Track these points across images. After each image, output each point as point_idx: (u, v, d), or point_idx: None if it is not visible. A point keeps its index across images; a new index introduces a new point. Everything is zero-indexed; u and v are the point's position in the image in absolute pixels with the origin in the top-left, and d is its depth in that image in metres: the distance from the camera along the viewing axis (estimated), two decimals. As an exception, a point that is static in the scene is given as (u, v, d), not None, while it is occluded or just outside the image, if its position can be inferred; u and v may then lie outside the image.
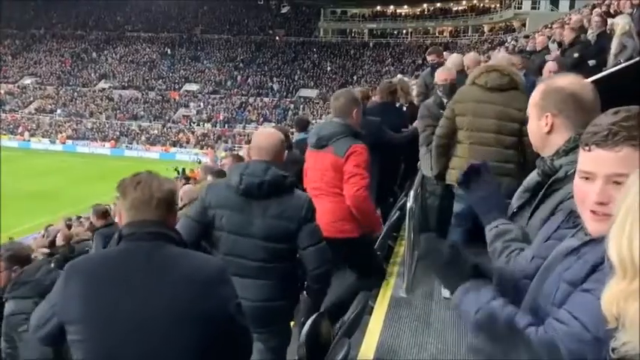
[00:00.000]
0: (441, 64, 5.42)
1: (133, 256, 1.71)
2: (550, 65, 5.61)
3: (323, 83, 46.30)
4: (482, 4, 47.64)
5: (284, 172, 2.69)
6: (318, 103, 43.10)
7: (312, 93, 45.48)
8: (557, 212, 1.57)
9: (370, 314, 3.54)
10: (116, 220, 4.14)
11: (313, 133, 3.59)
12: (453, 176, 3.69)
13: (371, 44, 49.90)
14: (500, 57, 5.74)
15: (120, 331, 1.62)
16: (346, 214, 3.30)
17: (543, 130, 1.69)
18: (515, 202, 1.81)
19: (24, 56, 53.97)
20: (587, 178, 1.21)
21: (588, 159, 1.20)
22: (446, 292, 4.24)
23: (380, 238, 4.31)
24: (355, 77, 44.87)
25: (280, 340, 2.77)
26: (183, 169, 21.36)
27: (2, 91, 49.37)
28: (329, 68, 47.95)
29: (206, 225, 2.68)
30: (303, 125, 6.07)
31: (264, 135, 2.87)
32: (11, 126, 44.62)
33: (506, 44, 16.53)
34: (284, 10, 49.63)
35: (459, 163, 3.62)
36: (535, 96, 1.74)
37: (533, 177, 1.75)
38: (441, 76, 4.45)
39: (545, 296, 1.24)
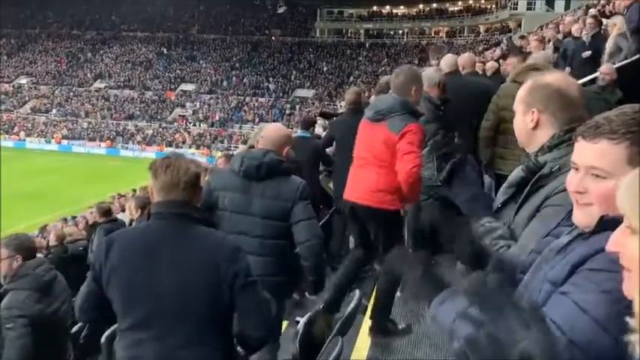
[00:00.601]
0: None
1: (161, 232, 2.02)
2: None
3: (319, 83, 46.31)
4: (478, 5, 47.73)
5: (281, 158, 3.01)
6: (314, 103, 43.12)
7: (308, 93, 45.49)
8: (543, 208, 1.59)
9: (364, 313, 3.56)
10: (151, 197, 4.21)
11: (371, 107, 3.67)
12: (501, 164, 3.94)
13: (367, 44, 49.94)
14: (538, 56, 5.76)
15: (150, 293, 1.94)
16: (389, 186, 3.34)
17: (529, 125, 1.70)
18: (499, 197, 1.82)
19: (19, 56, 53.76)
20: (576, 169, 1.24)
21: (575, 150, 1.23)
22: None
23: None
24: (351, 77, 44.90)
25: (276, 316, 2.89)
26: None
27: (-2, 91, 49.28)
28: (325, 68, 47.96)
29: (211, 206, 2.95)
30: (308, 125, 6.09)
31: (273, 129, 3.27)
32: (6, 126, 44.45)
33: (501, 45, 16.57)
34: (280, 10, 49.59)
35: (505, 154, 3.89)
36: (522, 92, 1.75)
37: (517, 173, 1.76)
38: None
39: (531, 294, 1.25)
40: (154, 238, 2.02)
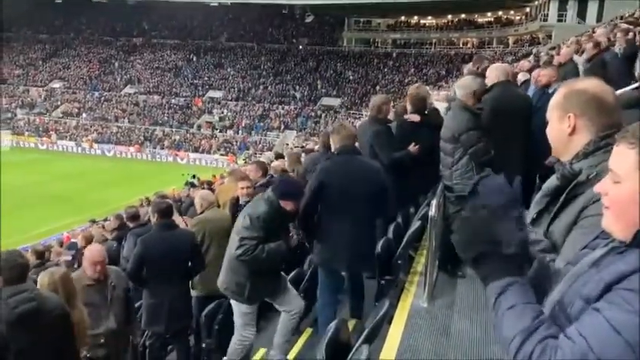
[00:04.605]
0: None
1: (347, 161, 4.15)
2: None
3: (345, 92, 46.38)
4: (507, 16, 47.29)
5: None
6: (339, 111, 43.21)
7: (334, 102, 45.58)
8: (582, 219, 1.56)
9: (390, 323, 3.53)
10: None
11: None
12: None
13: (394, 54, 49.86)
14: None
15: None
16: None
17: (566, 131, 1.67)
18: (533, 208, 1.78)
19: (53, 61, 55.21)
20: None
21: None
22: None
23: (401, 247, 4.31)
24: (378, 87, 44.83)
25: None
26: (194, 175, 21.54)
27: (32, 95, 50.61)
28: (351, 77, 48.02)
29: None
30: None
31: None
32: (39, 128, 45.62)
33: (530, 58, 16.36)
34: (308, 20, 49.89)
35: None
36: (557, 98, 1.72)
37: (552, 182, 1.72)
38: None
39: (563, 307, 1.24)
40: (345, 165, 4.25)
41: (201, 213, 5.75)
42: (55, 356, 3.33)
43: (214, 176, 18.96)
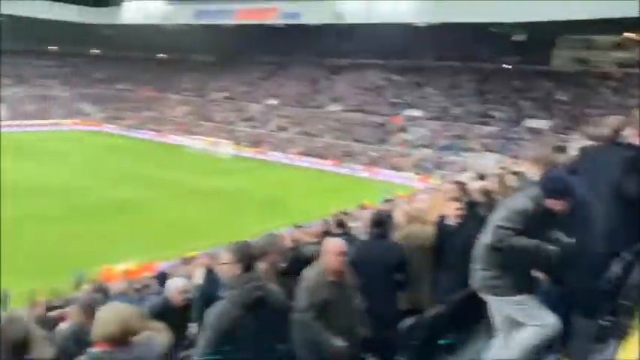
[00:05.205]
0: None
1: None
2: None
3: (554, 114, 43.01)
4: None
5: None
6: (544, 134, 40.17)
7: (539, 123, 42.58)
8: None
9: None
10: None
11: None
12: None
13: (614, 74, 44.73)
14: None
15: None
16: None
17: None
18: None
19: (272, 80, 61.64)
20: None
21: None
22: None
23: (628, 286, 3.88)
24: (591, 109, 40.66)
25: None
26: (390, 191, 21.81)
27: (252, 110, 57.15)
28: (562, 98, 44.36)
29: None
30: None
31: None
32: (254, 140, 51.13)
33: None
34: (519, 38, 47.37)
35: None
36: None
37: None
38: None
39: None
40: None
41: (403, 228, 5.88)
42: (274, 343, 3.74)
43: (406, 194, 19.12)
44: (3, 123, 52.88)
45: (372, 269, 4.87)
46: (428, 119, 47.58)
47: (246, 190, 33.33)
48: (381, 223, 5.12)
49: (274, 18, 56.16)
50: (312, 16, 53.23)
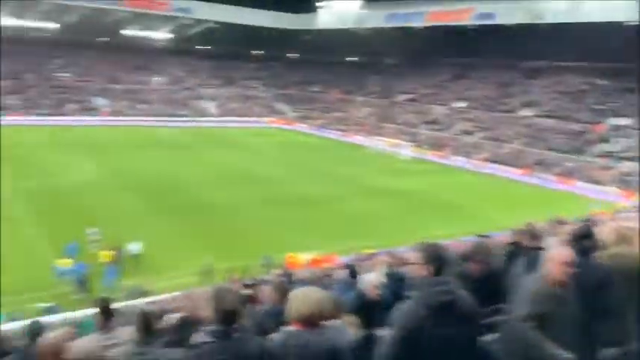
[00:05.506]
0: None
1: None
2: None
3: None
4: None
5: None
6: None
7: None
8: None
9: None
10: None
11: None
12: None
13: None
14: None
15: None
16: None
17: None
18: None
19: (459, 82, 60.11)
20: None
21: None
22: None
23: None
24: None
25: None
26: (593, 207, 19.62)
27: (436, 112, 56.38)
28: None
29: None
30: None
31: None
32: (436, 143, 50.31)
33: None
34: None
35: None
36: None
37: None
38: None
39: None
40: None
41: (610, 247, 5.27)
42: (463, 350, 3.62)
43: (608, 211, 17.10)
44: (213, 119, 61.79)
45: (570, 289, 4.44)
46: (637, 129, 41.94)
47: (425, 192, 33.03)
48: (588, 237, 4.60)
49: (467, 19, 54.76)
50: (507, 16, 50.86)
